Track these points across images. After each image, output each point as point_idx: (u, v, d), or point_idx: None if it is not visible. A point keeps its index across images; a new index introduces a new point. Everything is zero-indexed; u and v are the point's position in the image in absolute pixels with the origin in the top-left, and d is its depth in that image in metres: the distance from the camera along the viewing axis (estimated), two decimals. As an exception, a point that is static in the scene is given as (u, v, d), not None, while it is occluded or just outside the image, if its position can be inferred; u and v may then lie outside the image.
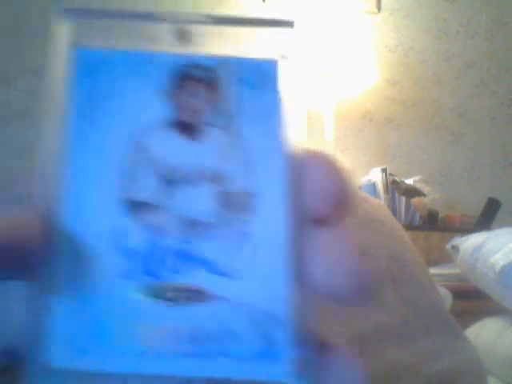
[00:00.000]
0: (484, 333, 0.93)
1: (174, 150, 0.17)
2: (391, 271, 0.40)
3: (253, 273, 0.16)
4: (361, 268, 0.16)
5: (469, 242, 1.00)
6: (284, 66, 0.18)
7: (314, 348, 0.16)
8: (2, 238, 0.15)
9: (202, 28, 0.18)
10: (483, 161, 2.00)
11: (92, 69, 0.17)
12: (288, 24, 0.18)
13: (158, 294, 0.16)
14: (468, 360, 0.40)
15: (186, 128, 0.17)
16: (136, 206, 0.17)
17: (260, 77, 0.18)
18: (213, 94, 0.17)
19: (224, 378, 0.16)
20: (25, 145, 1.81)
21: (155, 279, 0.16)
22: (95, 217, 0.16)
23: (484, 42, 2.07)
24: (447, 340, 0.40)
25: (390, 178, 1.72)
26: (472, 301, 1.06)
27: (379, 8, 1.97)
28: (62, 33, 0.17)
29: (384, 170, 1.71)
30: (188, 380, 0.16)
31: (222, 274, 0.16)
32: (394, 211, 1.68)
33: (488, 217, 1.73)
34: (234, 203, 0.17)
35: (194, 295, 0.16)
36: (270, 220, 0.17)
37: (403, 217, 1.70)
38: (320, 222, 0.17)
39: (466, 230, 1.43)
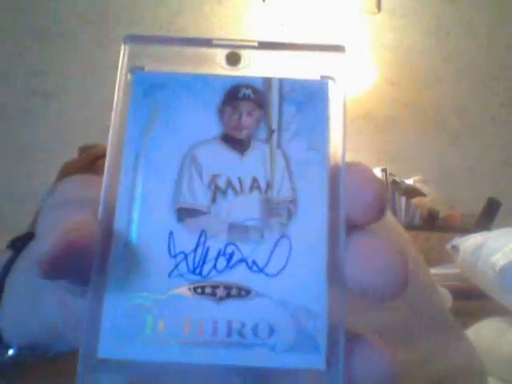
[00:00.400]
0: (484, 333, 0.93)
1: (223, 162, 0.19)
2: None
3: (289, 271, 0.18)
4: (394, 266, 0.17)
5: (469, 242, 1.00)
6: (332, 88, 0.20)
7: (345, 338, 0.17)
8: (66, 245, 0.17)
9: (251, 51, 0.20)
10: (483, 161, 2.00)
11: (149, 90, 0.19)
12: (340, 49, 0.20)
13: (203, 290, 0.18)
14: (468, 360, 0.40)
15: (235, 142, 0.19)
16: (186, 213, 0.18)
17: (308, 96, 0.20)
18: (260, 112, 0.19)
19: (262, 367, 0.17)
20: (25, 145, 1.81)
21: (201, 278, 0.18)
22: (149, 222, 0.18)
23: (484, 42, 2.07)
24: (447, 340, 0.40)
25: (390, 178, 1.72)
26: (472, 301, 1.06)
27: (379, 8, 1.97)
28: (125, 58, 0.20)
29: (384, 170, 1.71)
30: (228, 368, 0.17)
31: (262, 271, 0.18)
32: (394, 211, 1.68)
33: (488, 217, 1.73)
34: (275, 209, 0.19)
35: (236, 291, 0.18)
36: (308, 224, 0.18)
37: (403, 217, 1.70)
38: (357, 224, 0.18)
39: (466, 229, 1.43)
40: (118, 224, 0.18)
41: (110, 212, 0.18)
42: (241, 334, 0.17)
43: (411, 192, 1.74)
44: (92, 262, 0.17)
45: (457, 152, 1.97)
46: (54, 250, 0.17)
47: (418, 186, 1.77)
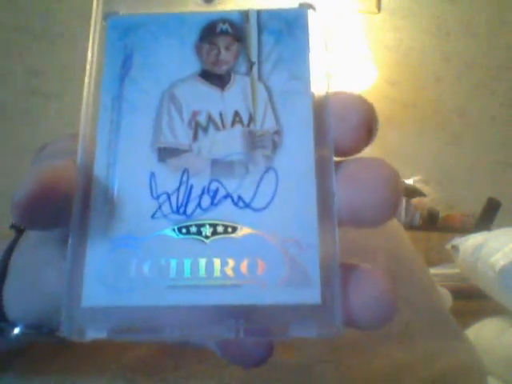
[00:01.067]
0: (484, 333, 0.93)
1: (203, 98, 0.18)
2: (391, 271, 0.40)
3: (277, 203, 0.17)
4: (386, 190, 0.17)
5: (469, 242, 1.00)
6: (311, 16, 0.19)
7: (339, 270, 0.16)
8: (41, 188, 0.16)
9: None
10: (483, 161, 2.00)
11: (124, 32, 0.19)
12: None
13: (188, 230, 0.17)
14: (468, 360, 0.40)
15: (214, 78, 0.19)
16: (166, 152, 0.18)
17: (287, 26, 0.19)
18: (238, 45, 0.19)
19: (254, 305, 0.16)
20: (25, 145, 1.80)
21: (185, 217, 0.17)
22: (129, 163, 0.18)
23: (484, 42, 2.07)
24: (447, 340, 0.40)
25: (390, 178, 1.72)
26: (472, 301, 1.06)
27: (379, 8, 1.96)
28: (99, 5, 0.19)
29: (384, 170, 1.71)
30: (218, 309, 0.16)
31: (248, 206, 0.17)
32: (394, 211, 1.68)
33: (488, 217, 1.73)
34: (259, 141, 0.18)
35: (222, 229, 0.17)
36: (295, 154, 0.18)
37: (403, 217, 1.70)
38: (346, 151, 0.18)
39: (466, 230, 1.43)
40: (98, 167, 0.18)
41: (89, 156, 0.18)
42: (230, 271, 0.17)
43: (411, 192, 1.74)
44: (71, 207, 0.17)
45: (457, 152, 1.97)
46: (29, 193, 0.16)
47: (418, 186, 1.77)
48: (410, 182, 1.77)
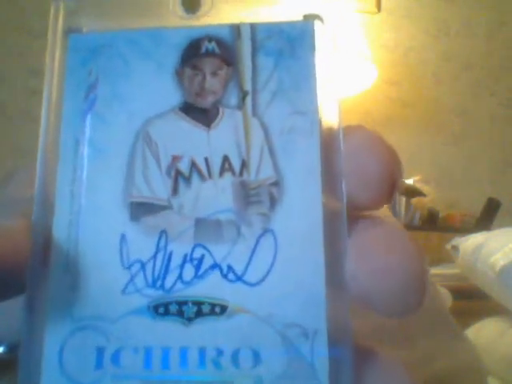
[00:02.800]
0: (484, 333, 0.93)
1: (185, 139, 0.15)
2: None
3: (276, 277, 0.14)
4: (414, 270, 0.13)
5: (469, 242, 1.00)
6: (319, 30, 0.15)
7: (352, 362, 0.13)
8: None
9: None
10: (483, 161, 2.00)
11: (88, 55, 0.15)
12: None
13: (167, 309, 0.14)
14: (468, 360, 0.40)
15: (198, 113, 0.15)
16: (141, 208, 0.14)
17: (289, 44, 0.15)
18: (228, 70, 0.15)
19: None
20: (25, 145, 1.80)
21: (163, 292, 0.14)
22: (95, 222, 0.14)
23: (483, 42, 2.07)
24: (447, 340, 0.40)
25: (390, 178, 1.72)
26: (472, 301, 1.06)
27: (379, 8, 1.96)
28: (57, 17, 0.16)
29: (384, 170, 1.70)
30: None
31: (240, 280, 0.14)
32: (394, 211, 1.68)
33: (488, 217, 1.73)
34: (254, 195, 0.14)
35: (208, 308, 0.14)
36: (297, 213, 0.14)
37: (403, 217, 1.69)
38: (361, 211, 0.14)
39: (465, 229, 1.43)
40: (57, 228, 0.14)
41: (46, 212, 0.14)
42: (217, 364, 0.13)
43: (411, 192, 1.74)
44: (22, 279, 0.13)
45: (457, 152, 1.97)
46: None
47: (418, 186, 1.77)
48: (409, 181, 1.77)
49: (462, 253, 1.00)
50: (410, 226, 1.64)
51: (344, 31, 1.68)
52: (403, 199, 1.72)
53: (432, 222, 1.74)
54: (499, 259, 0.87)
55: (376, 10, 1.95)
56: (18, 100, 1.81)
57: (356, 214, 0.14)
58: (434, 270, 1.15)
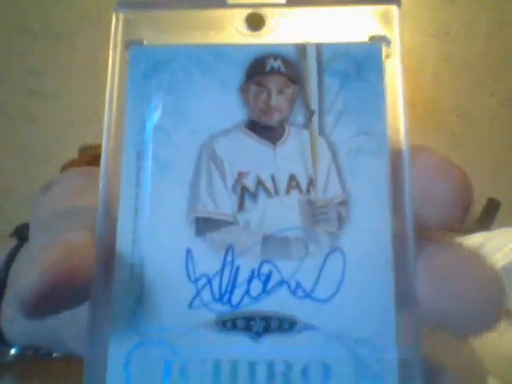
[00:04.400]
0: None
1: (251, 156, 0.14)
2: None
3: (345, 294, 0.13)
4: (485, 294, 0.13)
5: (469, 242, 1.00)
6: (387, 52, 0.14)
7: (420, 375, 0.13)
8: (53, 280, 0.14)
9: (278, 11, 0.14)
10: (483, 161, 2.00)
11: (150, 68, 0.15)
12: (393, 1, 0.14)
13: (234, 324, 0.14)
14: (468, 360, 0.40)
15: (264, 130, 0.15)
16: (206, 224, 0.14)
17: (356, 65, 0.15)
18: (294, 89, 0.15)
19: None
20: (25, 145, 1.81)
21: (230, 308, 0.14)
22: (160, 237, 0.14)
23: (483, 42, 2.07)
24: (447, 340, 0.40)
25: (390, 178, 1.72)
26: (472, 301, 1.05)
27: (379, 8, 1.97)
28: (118, 30, 0.15)
29: (384, 170, 1.70)
30: None
31: (308, 296, 0.14)
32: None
33: (488, 217, 1.73)
34: (321, 213, 0.14)
35: (277, 324, 0.14)
36: (366, 232, 0.14)
37: (403, 217, 1.69)
38: (431, 230, 0.14)
39: (465, 229, 1.43)
40: (121, 243, 0.14)
41: (110, 228, 0.14)
42: (287, 378, 0.13)
43: (411, 192, 1.74)
44: (89, 294, 0.14)
45: (457, 152, 1.97)
46: (38, 287, 0.13)
47: (418, 186, 1.77)
48: (409, 182, 1.77)
49: (462, 253, 1.00)
50: (409, 226, 1.63)
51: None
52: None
53: (432, 222, 1.74)
54: (499, 259, 0.87)
55: (376, 10, 1.95)
56: (18, 100, 1.81)
57: (426, 236, 0.13)
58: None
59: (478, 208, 1.99)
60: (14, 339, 0.21)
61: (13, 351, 0.21)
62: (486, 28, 2.24)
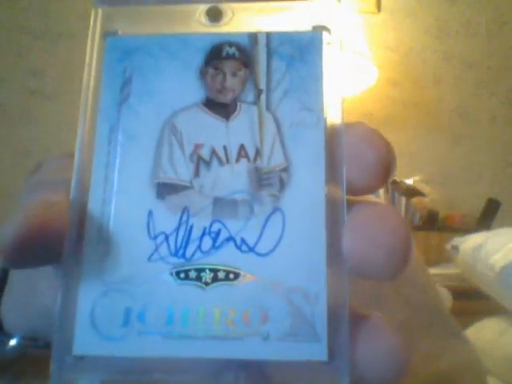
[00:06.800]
0: (484, 333, 0.93)
1: (206, 130, 0.17)
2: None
3: (283, 248, 0.16)
4: (399, 239, 0.15)
5: (469, 242, 1.00)
6: (327, 39, 0.17)
7: (349, 323, 0.15)
8: (29, 230, 0.15)
9: (234, 5, 0.18)
10: (483, 161, 2.00)
11: (123, 55, 0.18)
12: None
13: (187, 275, 0.16)
14: (468, 360, 0.40)
15: (219, 107, 0.17)
16: (166, 188, 0.16)
17: (300, 51, 0.17)
18: (245, 71, 0.17)
19: (255, 360, 0.15)
20: (25, 145, 1.81)
21: (184, 261, 0.16)
22: (126, 200, 0.16)
23: (484, 42, 2.07)
24: (447, 340, 0.40)
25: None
26: (472, 301, 1.06)
27: (379, 8, 1.96)
28: (97, 23, 0.18)
29: (384, 170, 1.70)
30: (217, 362, 0.15)
31: (252, 251, 0.16)
32: (394, 211, 1.68)
33: (488, 217, 1.73)
34: (265, 179, 0.16)
35: (223, 275, 0.16)
36: (303, 194, 0.16)
37: (403, 217, 1.70)
38: (359, 192, 0.16)
39: (465, 229, 1.43)
40: (92, 204, 0.16)
41: (83, 191, 0.16)
42: (230, 322, 0.15)
43: (411, 192, 1.74)
44: (63, 247, 0.16)
45: (457, 152, 1.97)
46: (17, 236, 0.15)
47: (418, 186, 1.77)
48: (410, 181, 1.77)
49: (462, 253, 1.00)
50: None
51: (348, 37, 1.68)
52: (403, 199, 1.72)
53: (432, 222, 1.74)
54: (499, 259, 0.87)
55: (376, 10, 1.95)
56: (18, 100, 1.81)
57: (354, 197, 0.16)
58: (434, 270, 1.15)
59: (478, 208, 1.99)
60: (14, 330, 0.22)
61: (12, 342, 0.21)
62: (487, 28, 2.24)
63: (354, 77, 1.67)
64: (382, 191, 1.70)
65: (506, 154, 2.01)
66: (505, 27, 2.06)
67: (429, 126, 1.96)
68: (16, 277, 0.23)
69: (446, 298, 0.98)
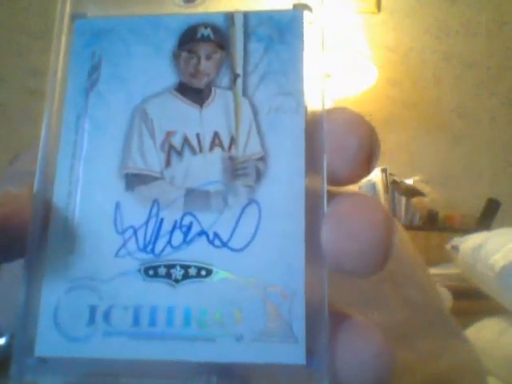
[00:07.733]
0: (484, 333, 0.93)
1: (179, 116, 0.16)
2: (390, 271, 0.40)
3: (259, 244, 0.15)
4: (379, 234, 0.14)
5: (469, 242, 1.00)
6: (308, 19, 0.16)
7: (328, 323, 0.14)
8: None
9: None
10: (483, 161, 2.00)
11: (92, 38, 0.17)
12: None
13: (156, 271, 0.15)
14: (468, 360, 0.40)
15: (193, 93, 0.16)
16: (135, 179, 0.15)
17: (279, 31, 0.16)
18: (221, 54, 0.16)
19: (228, 363, 0.14)
20: (25, 145, 1.80)
21: (153, 257, 0.15)
22: (92, 191, 0.15)
23: (484, 42, 2.07)
24: (447, 340, 0.40)
25: (390, 178, 1.72)
26: (472, 301, 1.06)
27: (379, 8, 1.96)
28: (65, 5, 0.17)
29: (384, 170, 1.71)
30: (188, 365, 0.14)
31: (225, 246, 0.15)
32: (394, 211, 1.68)
33: (488, 217, 1.73)
34: (241, 169, 0.15)
35: (195, 271, 0.15)
36: (281, 186, 0.15)
37: (403, 217, 1.69)
38: (340, 182, 0.15)
39: (465, 230, 1.43)
40: (57, 196, 0.15)
41: (48, 183, 0.15)
42: (202, 322, 0.14)
43: (411, 192, 1.74)
44: (25, 241, 0.15)
45: (457, 152, 1.97)
46: None
47: (418, 186, 1.77)
48: (410, 181, 1.77)
49: (462, 253, 1.00)
50: (409, 226, 1.64)
51: (347, 37, 1.68)
52: (403, 199, 1.72)
53: (432, 222, 1.74)
54: (499, 259, 0.87)
55: (376, 10, 1.95)
56: (18, 100, 1.81)
57: (336, 189, 0.15)
58: (434, 270, 1.15)
59: (478, 208, 1.99)
60: (4, 328, 0.22)
61: (2, 341, 0.21)
62: (487, 28, 2.24)
63: (354, 77, 1.67)
64: (381, 191, 1.70)
65: (506, 154, 2.01)
66: (505, 27, 2.06)
67: (429, 126, 1.95)
68: (6, 271, 0.23)
69: (446, 297, 0.98)
